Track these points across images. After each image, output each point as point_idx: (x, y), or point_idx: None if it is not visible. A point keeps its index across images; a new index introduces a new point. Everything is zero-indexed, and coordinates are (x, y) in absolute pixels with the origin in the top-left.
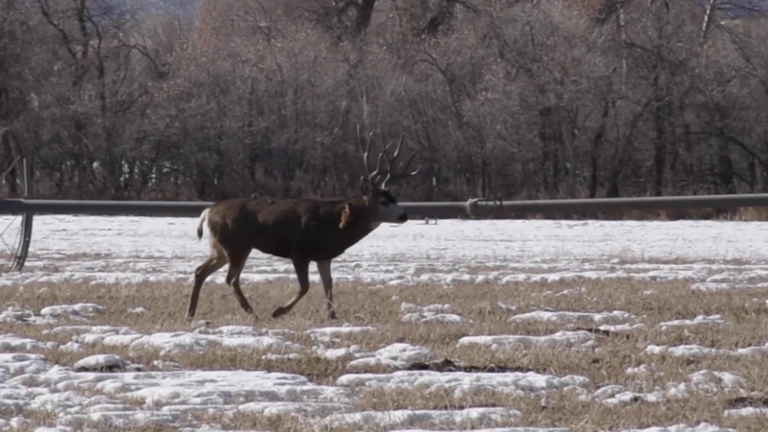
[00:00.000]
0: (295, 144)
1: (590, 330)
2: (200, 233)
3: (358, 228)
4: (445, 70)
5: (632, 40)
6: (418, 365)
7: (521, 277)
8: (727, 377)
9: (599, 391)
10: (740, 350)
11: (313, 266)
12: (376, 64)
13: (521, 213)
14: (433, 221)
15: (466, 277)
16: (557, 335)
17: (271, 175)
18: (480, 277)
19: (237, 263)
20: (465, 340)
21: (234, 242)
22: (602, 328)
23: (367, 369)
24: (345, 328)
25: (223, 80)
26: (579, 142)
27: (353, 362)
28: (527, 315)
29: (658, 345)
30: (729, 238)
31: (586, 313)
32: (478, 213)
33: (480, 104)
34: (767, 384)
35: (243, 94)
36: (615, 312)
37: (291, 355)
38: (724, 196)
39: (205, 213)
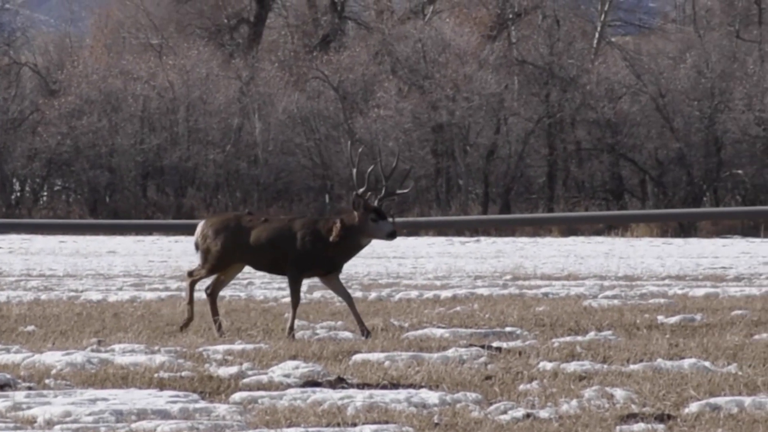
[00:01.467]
0: (187, 161)
1: (483, 346)
2: (197, 246)
3: (350, 244)
4: (337, 87)
5: (523, 57)
6: (311, 382)
7: (414, 294)
8: (619, 393)
9: (492, 407)
10: (632, 366)
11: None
12: (268, 81)
13: (414, 230)
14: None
15: (358, 294)
16: (450, 352)
17: (163, 192)
18: (373, 294)
19: (208, 271)
20: (358, 357)
21: (217, 255)
22: (495, 344)
23: (260, 386)
24: (237, 346)
25: (115, 97)
26: (471, 159)
27: (246, 380)
28: (420, 332)
29: (550, 361)
30: (620, 254)
31: (479, 330)
32: None
33: (372, 121)
34: (659, 400)
35: (135, 112)
36: (507, 328)
37: (183, 373)
38: (615, 213)
39: (200, 227)
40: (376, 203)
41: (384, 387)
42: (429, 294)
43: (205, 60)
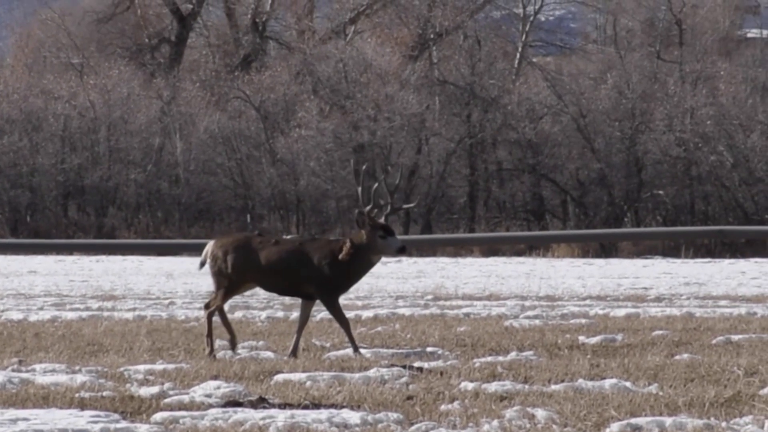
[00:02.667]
0: (108, 181)
1: (404, 367)
2: (202, 265)
3: (361, 263)
4: (258, 107)
5: (445, 77)
6: (233, 402)
7: None
8: (540, 413)
9: (413, 427)
10: (553, 386)
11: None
12: (189, 101)
13: None
14: None
15: (280, 314)
16: (371, 372)
17: (84, 212)
18: (294, 314)
19: (223, 296)
20: (279, 377)
21: (229, 277)
22: (416, 364)
23: (181, 406)
24: (159, 366)
25: (36, 117)
26: (392, 179)
27: (167, 400)
28: (341, 352)
29: (471, 381)
30: (542, 274)
31: (400, 350)
32: None
33: (294, 141)
34: (580, 420)
35: (56, 131)
36: (429, 349)
37: (104, 393)
38: (536, 233)
39: (209, 247)
40: (382, 220)
41: (305, 407)
42: (350, 314)
43: (126, 79)
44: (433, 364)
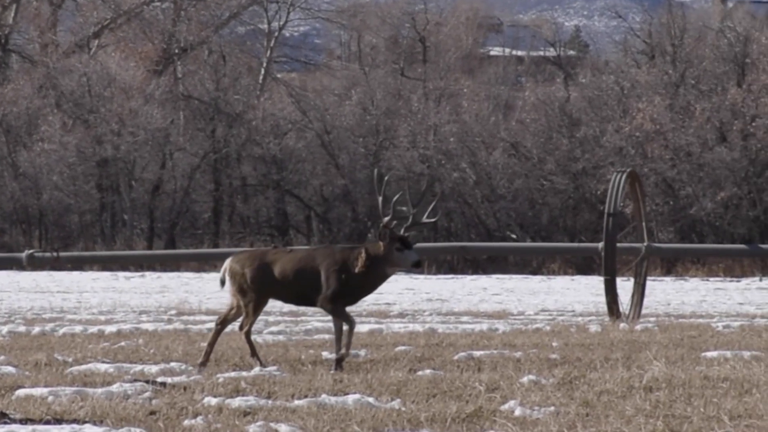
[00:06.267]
0: None
1: (147, 381)
2: (222, 283)
3: (375, 274)
4: (0, 121)
5: (189, 92)
6: None
7: (78, 328)
8: (284, 429)
9: None
10: (296, 402)
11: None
12: None
13: (78, 264)
14: None
15: (22, 328)
16: (114, 387)
17: None
18: (36, 329)
19: (252, 313)
20: (21, 392)
21: (251, 292)
22: (159, 379)
23: None
24: None
25: None
26: (137, 194)
27: None
28: (84, 367)
29: (215, 397)
30: None
31: (144, 365)
32: (35, 264)
33: (36, 155)
34: None
35: None
36: (172, 364)
37: None
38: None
39: (227, 262)
40: (402, 232)
41: (47, 422)
42: (93, 329)
43: None
44: (176, 379)
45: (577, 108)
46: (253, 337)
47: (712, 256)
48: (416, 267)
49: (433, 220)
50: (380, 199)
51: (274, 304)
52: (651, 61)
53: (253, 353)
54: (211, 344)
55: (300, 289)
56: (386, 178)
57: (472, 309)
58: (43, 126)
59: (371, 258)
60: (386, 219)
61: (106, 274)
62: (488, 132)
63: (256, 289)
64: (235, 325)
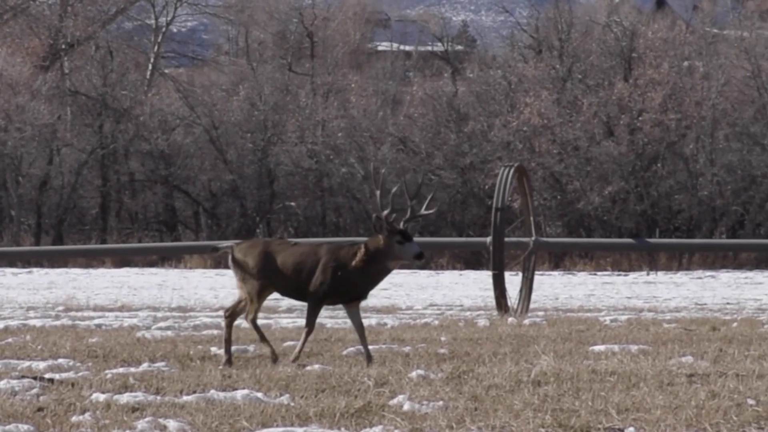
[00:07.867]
0: None
1: (35, 378)
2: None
3: (376, 268)
4: None
5: (77, 87)
6: None
7: None
8: (172, 425)
9: None
10: (185, 397)
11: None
12: None
13: None
14: None
15: None
16: (1, 384)
17: None
18: None
19: (255, 300)
20: None
21: (253, 279)
22: (47, 376)
23: None
24: None
25: None
26: (24, 190)
27: None
28: None
29: (103, 393)
30: (174, 285)
31: (31, 362)
32: None
33: None
34: (212, 431)
35: None
36: (60, 360)
37: None
38: (169, 244)
39: (231, 252)
40: (401, 225)
41: None
42: None
43: None
44: (64, 375)
45: (465, 103)
46: (141, 333)
47: (600, 251)
48: (418, 259)
49: (431, 211)
50: (378, 193)
51: (162, 300)
52: (538, 55)
53: (262, 338)
54: (228, 340)
55: (298, 283)
56: (382, 171)
57: (362, 304)
58: None
59: (372, 253)
60: (385, 212)
61: None
62: (376, 127)
63: (258, 277)
64: (113, 323)
